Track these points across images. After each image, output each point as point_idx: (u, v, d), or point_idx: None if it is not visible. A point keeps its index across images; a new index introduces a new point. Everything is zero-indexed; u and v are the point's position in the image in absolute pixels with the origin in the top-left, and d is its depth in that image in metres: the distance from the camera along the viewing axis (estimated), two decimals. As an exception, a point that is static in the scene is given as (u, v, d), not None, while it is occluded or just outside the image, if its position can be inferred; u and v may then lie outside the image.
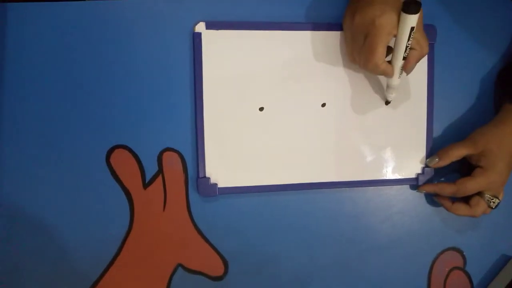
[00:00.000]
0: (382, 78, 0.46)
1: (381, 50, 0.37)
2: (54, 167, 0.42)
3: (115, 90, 0.43)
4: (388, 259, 0.48)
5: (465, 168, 0.46)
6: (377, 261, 0.48)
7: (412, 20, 0.35)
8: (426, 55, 0.42)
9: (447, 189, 0.44)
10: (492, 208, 0.44)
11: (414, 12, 0.35)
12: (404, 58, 0.39)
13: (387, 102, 0.46)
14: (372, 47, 0.37)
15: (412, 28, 0.36)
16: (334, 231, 0.47)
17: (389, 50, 0.39)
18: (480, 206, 0.44)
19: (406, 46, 0.38)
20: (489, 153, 0.42)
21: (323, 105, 0.45)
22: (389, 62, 0.40)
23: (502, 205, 0.45)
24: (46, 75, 0.42)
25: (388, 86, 0.43)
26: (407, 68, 0.40)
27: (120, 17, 0.43)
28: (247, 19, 0.44)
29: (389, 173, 0.47)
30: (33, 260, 0.42)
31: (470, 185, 0.43)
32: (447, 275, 0.49)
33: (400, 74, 0.41)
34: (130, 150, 0.43)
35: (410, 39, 0.37)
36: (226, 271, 0.45)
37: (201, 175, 0.43)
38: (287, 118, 0.45)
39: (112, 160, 0.43)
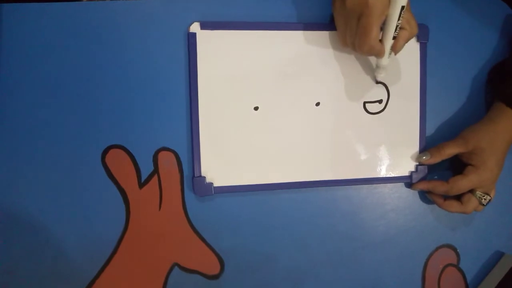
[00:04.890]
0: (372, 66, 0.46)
1: (376, 30, 0.37)
2: (50, 167, 0.42)
3: (110, 90, 0.43)
4: (383, 257, 0.48)
5: (458, 165, 0.46)
6: (372, 258, 0.48)
7: None
8: (415, 36, 0.42)
9: (440, 187, 0.45)
10: (483, 205, 0.45)
11: None
12: (394, 38, 0.39)
13: (377, 82, 0.46)
14: (367, 28, 0.37)
15: (403, 7, 0.36)
16: (329, 229, 0.47)
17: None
18: (471, 203, 0.44)
19: (397, 26, 0.38)
20: (480, 151, 0.43)
21: (317, 104, 0.46)
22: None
23: (494, 202, 0.46)
24: (41, 75, 0.42)
25: (377, 66, 0.43)
26: (396, 47, 0.40)
27: (116, 18, 0.43)
28: (241, 19, 0.44)
29: (383, 171, 0.47)
30: (29, 260, 0.42)
31: (462, 183, 0.43)
32: (441, 272, 0.49)
33: (390, 54, 0.41)
34: (125, 150, 0.43)
35: (400, 18, 0.37)
36: (222, 270, 0.45)
37: (196, 174, 0.44)
38: (282, 117, 0.45)
39: (107, 160, 0.43)
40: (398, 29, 0.38)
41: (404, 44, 0.40)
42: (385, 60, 0.42)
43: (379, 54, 0.40)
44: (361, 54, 0.43)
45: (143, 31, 0.43)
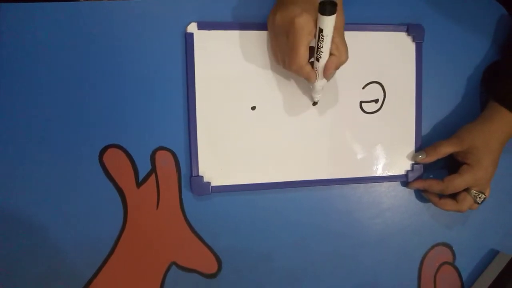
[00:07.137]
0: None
1: (303, 51, 0.36)
2: (47, 167, 0.42)
3: (108, 90, 0.43)
4: (379, 255, 0.48)
5: (453, 164, 0.46)
6: (368, 257, 0.48)
7: (323, 21, 0.33)
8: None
9: (436, 186, 0.45)
10: (478, 203, 0.45)
11: (327, 13, 0.33)
12: (318, 60, 0.37)
13: (314, 103, 0.45)
14: (294, 48, 0.36)
15: (321, 30, 0.34)
16: (326, 228, 0.47)
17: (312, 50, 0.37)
18: (466, 201, 0.45)
19: (318, 48, 0.36)
20: (475, 150, 0.43)
21: (314, 103, 0.46)
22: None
23: (490, 200, 0.46)
24: (39, 75, 0.42)
25: (312, 88, 0.42)
26: (325, 74, 0.38)
27: (114, 18, 0.43)
28: (238, 20, 0.44)
29: (380, 170, 0.48)
30: (27, 259, 0.42)
31: (457, 182, 0.44)
32: (437, 270, 0.50)
33: (322, 78, 0.39)
34: (123, 149, 0.43)
35: (321, 40, 0.35)
36: (219, 269, 0.45)
37: (194, 173, 0.44)
38: (278, 117, 0.45)
39: (105, 160, 0.43)
40: (321, 52, 0.36)
41: (333, 71, 0.38)
42: (318, 84, 0.40)
43: (308, 76, 0.38)
44: (293, 74, 0.41)
45: (140, 31, 0.43)
